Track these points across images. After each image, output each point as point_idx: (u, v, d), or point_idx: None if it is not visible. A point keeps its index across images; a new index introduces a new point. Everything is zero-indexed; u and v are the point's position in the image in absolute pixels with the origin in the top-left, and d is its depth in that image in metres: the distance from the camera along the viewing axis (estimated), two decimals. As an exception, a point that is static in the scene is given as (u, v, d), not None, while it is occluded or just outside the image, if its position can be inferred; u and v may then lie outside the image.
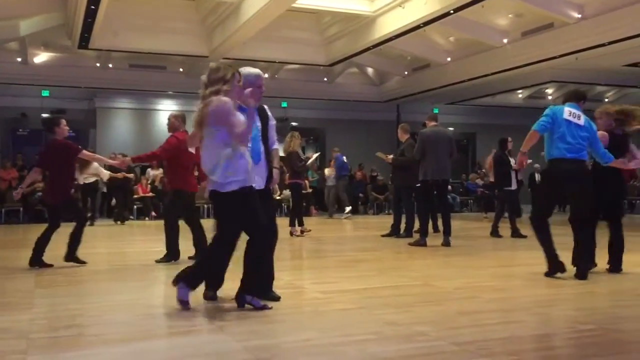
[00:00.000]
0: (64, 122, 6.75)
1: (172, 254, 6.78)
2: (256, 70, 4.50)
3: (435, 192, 8.66)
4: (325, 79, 19.55)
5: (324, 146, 20.52)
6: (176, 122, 6.98)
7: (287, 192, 17.50)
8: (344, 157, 16.51)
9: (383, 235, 9.96)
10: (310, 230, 10.54)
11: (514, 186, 9.96)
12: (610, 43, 12.59)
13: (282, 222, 13.36)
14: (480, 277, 5.73)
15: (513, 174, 9.92)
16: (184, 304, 4.13)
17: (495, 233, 9.80)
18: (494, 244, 8.96)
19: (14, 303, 4.60)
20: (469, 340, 3.41)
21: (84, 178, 12.57)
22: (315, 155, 12.31)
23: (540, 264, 5.55)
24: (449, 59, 16.84)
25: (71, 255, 6.54)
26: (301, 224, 10.46)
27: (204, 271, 4.28)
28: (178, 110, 17.51)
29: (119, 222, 14.07)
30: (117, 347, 3.34)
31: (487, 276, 5.78)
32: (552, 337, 3.58)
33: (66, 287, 5.51)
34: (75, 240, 6.57)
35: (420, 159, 8.54)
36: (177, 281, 4.17)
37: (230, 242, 4.18)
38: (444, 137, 8.60)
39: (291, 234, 10.22)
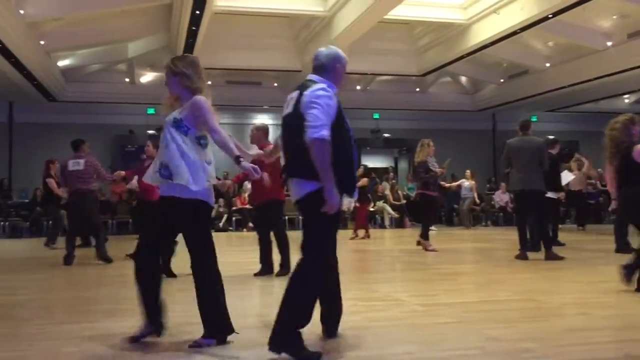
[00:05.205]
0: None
1: (267, 267, 6.70)
2: None
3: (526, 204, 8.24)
4: (418, 89, 19.42)
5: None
6: (258, 134, 6.70)
7: (380, 204, 17.42)
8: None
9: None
10: (436, 250, 9.31)
11: None
12: None
13: (378, 234, 13.37)
14: (589, 292, 5.44)
15: None
16: None
17: (625, 247, 8.29)
18: (601, 258, 8.43)
19: (129, 310, 4.87)
20: (579, 359, 3.27)
21: None
22: (447, 161, 11.01)
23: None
24: (547, 65, 16.27)
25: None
26: (425, 237, 9.46)
27: None
28: (270, 125, 18.12)
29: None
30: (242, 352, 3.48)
31: (597, 291, 5.46)
32: (671, 358, 3.36)
33: (179, 294, 5.76)
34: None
35: (509, 170, 8.27)
36: None
37: None
38: (529, 147, 8.12)
39: (418, 243, 9.56)
